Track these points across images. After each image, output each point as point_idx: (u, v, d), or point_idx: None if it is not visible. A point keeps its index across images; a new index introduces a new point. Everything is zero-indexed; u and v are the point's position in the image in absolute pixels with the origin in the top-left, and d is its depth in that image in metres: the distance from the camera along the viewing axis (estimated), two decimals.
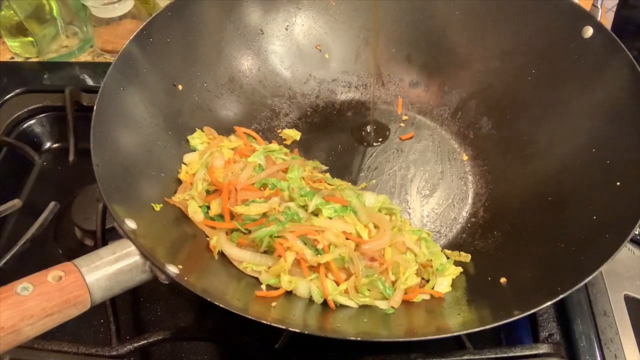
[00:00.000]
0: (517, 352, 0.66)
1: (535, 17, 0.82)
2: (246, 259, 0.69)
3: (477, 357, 0.65)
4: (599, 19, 0.78)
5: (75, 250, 0.85)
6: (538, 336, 0.70)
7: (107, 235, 0.78)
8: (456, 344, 0.68)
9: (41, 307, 0.51)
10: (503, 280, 0.68)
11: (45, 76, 1.05)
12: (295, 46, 0.95)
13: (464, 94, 0.92)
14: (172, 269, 0.58)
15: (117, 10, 1.03)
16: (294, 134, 0.91)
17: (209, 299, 0.56)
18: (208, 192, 0.75)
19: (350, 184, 0.82)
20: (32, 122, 1.00)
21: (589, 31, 0.75)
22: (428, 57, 0.94)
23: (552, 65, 0.80)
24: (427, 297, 0.69)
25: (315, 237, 0.67)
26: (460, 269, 0.72)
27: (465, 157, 0.89)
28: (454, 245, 0.78)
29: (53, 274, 0.53)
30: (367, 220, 0.71)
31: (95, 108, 0.67)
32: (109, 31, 1.06)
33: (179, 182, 0.77)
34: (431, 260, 0.71)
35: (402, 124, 0.94)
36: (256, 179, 0.74)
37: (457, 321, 0.64)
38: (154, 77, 0.79)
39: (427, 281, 0.71)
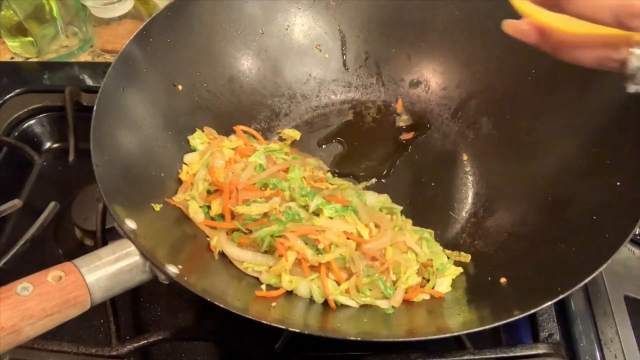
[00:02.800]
0: (517, 352, 0.66)
1: None
2: (247, 259, 0.69)
3: (477, 357, 0.65)
4: None
5: (75, 250, 0.85)
6: (538, 336, 0.70)
7: (107, 235, 0.78)
8: (456, 344, 0.68)
9: (41, 307, 0.51)
10: (503, 280, 0.68)
11: (45, 76, 1.05)
12: (296, 46, 0.95)
13: (464, 94, 0.92)
14: (172, 269, 0.58)
15: (117, 10, 1.03)
16: (294, 134, 0.91)
17: (209, 299, 0.56)
18: (209, 192, 0.75)
19: (351, 183, 0.81)
20: (32, 122, 1.00)
21: None
22: (428, 56, 0.94)
23: (552, 65, 0.79)
24: (427, 297, 0.69)
25: (316, 236, 0.67)
26: (460, 269, 0.72)
27: (465, 157, 0.88)
28: (454, 245, 0.78)
29: (53, 274, 0.53)
30: (368, 219, 0.71)
31: (95, 108, 0.67)
32: (109, 31, 1.06)
33: (179, 182, 0.77)
34: (432, 259, 0.71)
35: (402, 124, 0.94)
36: (257, 179, 0.74)
37: (457, 321, 0.64)
38: (154, 77, 0.79)
39: (428, 281, 0.71)
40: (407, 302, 0.68)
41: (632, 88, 0.49)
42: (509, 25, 0.56)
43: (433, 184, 0.86)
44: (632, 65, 0.48)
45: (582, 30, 0.50)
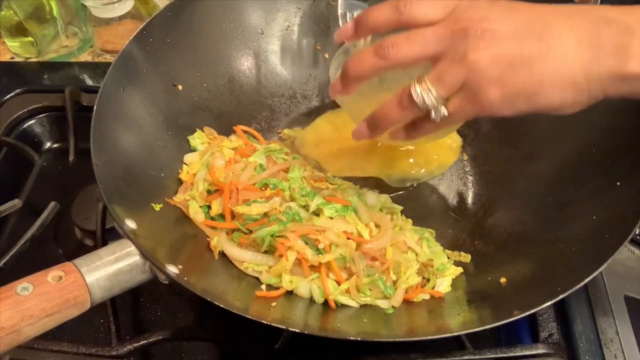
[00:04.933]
0: (517, 352, 0.66)
1: None
2: (247, 258, 0.69)
3: (477, 357, 0.65)
4: None
5: (75, 250, 0.85)
6: (538, 336, 0.70)
7: (107, 235, 0.78)
8: (456, 344, 0.68)
9: (41, 307, 0.51)
10: (503, 280, 0.68)
11: (45, 76, 1.05)
12: (295, 46, 0.95)
13: None
14: (172, 269, 0.58)
15: (117, 10, 1.03)
16: (294, 134, 0.91)
17: (209, 299, 0.56)
18: (209, 192, 0.75)
19: (351, 183, 0.81)
20: (32, 122, 0.99)
21: None
22: None
23: None
24: (427, 297, 0.69)
25: (316, 236, 0.67)
26: (460, 269, 0.72)
27: (465, 157, 0.88)
28: (454, 245, 0.78)
29: (53, 274, 0.53)
30: (368, 219, 0.71)
31: (95, 108, 0.67)
32: (109, 31, 1.06)
33: (179, 182, 0.77)
34: (432, 259, 0.71)
35: None
36: (257, 179, 0.74)
37: (457, 321, 0.64)
38: (154, 77, 0.79)
39: (428, 281, 0.71)
40: (407, 302, 0.68)
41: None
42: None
43: (433, 183, 0.86)
44: (418, 99, 0.55)
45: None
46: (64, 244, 0.87)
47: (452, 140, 0.89)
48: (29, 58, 1.11)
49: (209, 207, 0.74)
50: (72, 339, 0.74)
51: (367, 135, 0.65)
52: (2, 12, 1.05)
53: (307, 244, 0.67)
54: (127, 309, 0.78)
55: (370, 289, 0.67)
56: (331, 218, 0.70)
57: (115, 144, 0.69)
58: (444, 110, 0.55)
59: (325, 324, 0.64)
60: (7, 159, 0.96)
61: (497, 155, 0.85)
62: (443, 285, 0.70)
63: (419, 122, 0.60)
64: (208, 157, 0.77)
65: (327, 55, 0.96)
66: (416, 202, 0.83)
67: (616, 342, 0.68)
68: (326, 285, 0.66)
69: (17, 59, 1.11)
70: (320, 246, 0.67)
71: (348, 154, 0.87)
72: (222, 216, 0.73)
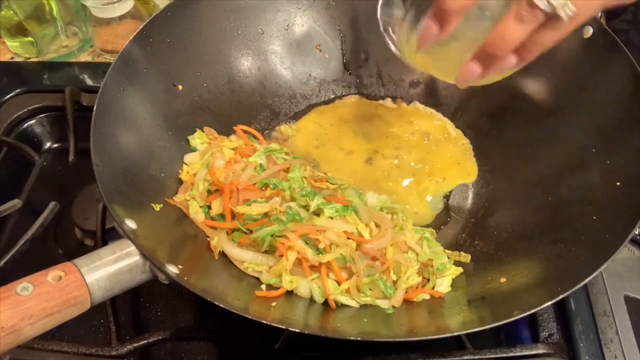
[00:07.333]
0: (517, 352, 0.66)
1: None
2: (247, 258, 0.69)
3: (477, 357, 0.65)
4: (599, 19, 0.78)
5: (75, 250, 0.85)
6: (538, 336, 0.70)
7: (107, 235, 0.78)
8: (456, 344, 0.68)
9: (41, 307, 0.51)
10: (503, 280, 0.68)
11: (45, 76, 1.05)
12: (295, 46, 0.95)
13: (464, 94, 0.92)
14: (172, 269, 0.58)
15: (117, 10, 1.03)
16: (291, 131, 0.91)
17: (209, 299, 0.56)
18: (209, 192, 0.75)
19: (352, 182, 0.81)
20: (32, 122, 1.00)
21: (589, 31, 0.75)
22: None
23: (552, 65, 0.80)
24: (427, 296, 0.69)
25: (316, 236, 0.67)
26: (460, 269, 0.72)
27: None
28: (454, 245, 0.78)
29: (53, 274, 0.53)
30: (368, 219, 0.71)
31: (95, 108, 0.67)
32: (109, 31, 1.06)
33: (179, 182, 0.77)
34: (432, 259, 0.71)
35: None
36: (257, 179, 0.74)
37: (457, 321, 0.64)
38: (154, 77, 0.79)
39: (428, 280, 0.71)
40: (407, 302, 0.68)
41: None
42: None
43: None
44: (541, 2, 0.50)
45: None
46: (64, 244, 0.87)
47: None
48: (29, 58, 1.11)
49: (209, 207, 0.74)
50: (72, 339, 0.74)
51: (478, 73, 0.57)
52: (2, 12, 1.05)
53: (307, 243, 0.67)
54: (127, 309, 0.78)
55: (370, 289, 0.67)
56: (331, 218, 0.70)
57: (115, 144, 0.69)
58: (571, 6, 0.50)
59: (325, 324, 0.64)
60: (7, 159, 0.96)
61: (497, 155, 0.85)
62: (443, 285, 0.70)
63: (538, 36, 0.53)
64: (208, 157, 0.77)
65: (327, 56, 0.96)
66: None
67: (616, 342, 0.69)
68: (326, 285, 0.66)
69: (17, 59, 1.11)
70: (321, 246, 0.67)
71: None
72: (222, 216, 0.73)
